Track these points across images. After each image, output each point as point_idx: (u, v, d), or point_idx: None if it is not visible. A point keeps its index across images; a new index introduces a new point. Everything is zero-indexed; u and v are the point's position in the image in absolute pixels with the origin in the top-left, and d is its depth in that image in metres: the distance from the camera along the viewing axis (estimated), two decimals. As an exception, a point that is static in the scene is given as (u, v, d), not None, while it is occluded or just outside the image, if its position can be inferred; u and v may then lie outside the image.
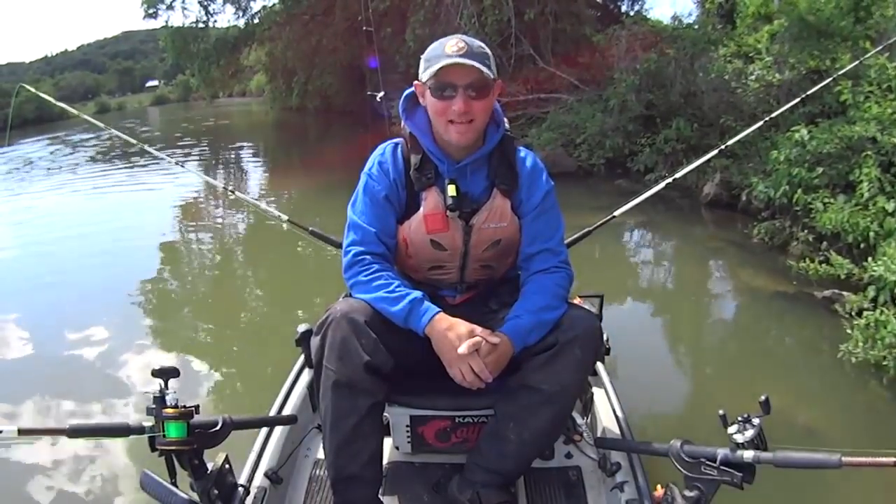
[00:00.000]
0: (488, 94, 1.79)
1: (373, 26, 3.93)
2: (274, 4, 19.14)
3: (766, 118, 3.54)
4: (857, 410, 3.51)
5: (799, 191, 5.22)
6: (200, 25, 18.73)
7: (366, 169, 1.95)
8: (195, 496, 1.62)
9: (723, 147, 3.22)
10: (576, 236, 2.81)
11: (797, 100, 3.60)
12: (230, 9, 19.11)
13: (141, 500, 2.84)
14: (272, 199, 10.82)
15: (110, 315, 5.34)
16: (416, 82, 1.86)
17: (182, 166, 4.26)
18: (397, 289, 1.79)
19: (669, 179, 3.05)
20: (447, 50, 1.74)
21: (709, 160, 3.33)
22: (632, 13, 14.85)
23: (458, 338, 1.72)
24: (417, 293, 1.79)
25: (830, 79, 4.13)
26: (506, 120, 1.96)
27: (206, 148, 19.59)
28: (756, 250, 5.87)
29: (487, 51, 1.79)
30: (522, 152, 1.98)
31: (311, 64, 19.00)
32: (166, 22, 18.62)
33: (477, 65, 1.72)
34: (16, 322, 5.43)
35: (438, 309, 1.78)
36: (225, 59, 19.69)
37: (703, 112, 8.68)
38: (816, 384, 3.80)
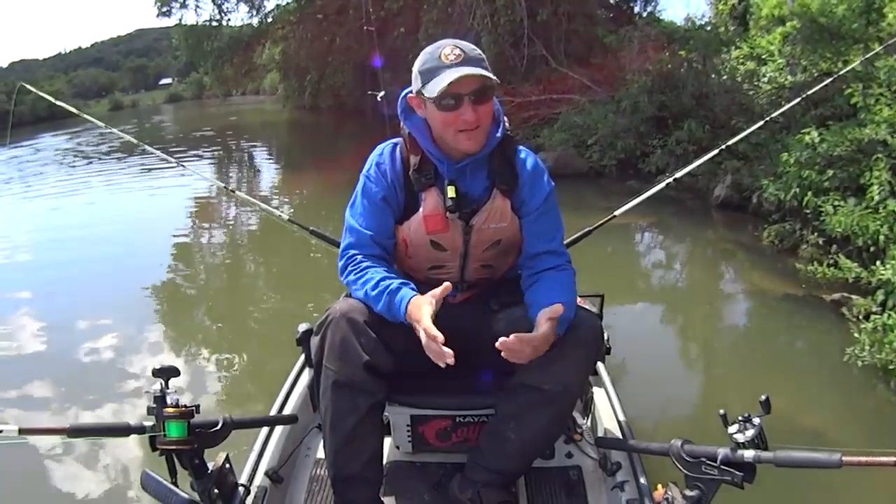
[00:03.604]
0: (491, 97, 1.75)
1: (374, 26, 3.92)
2: (287, 3, 19.32)
3: (766, 118, 3.54)
4: (863, 414, 3.50)
5: (809, 193, 5.18)
6: (214, 24, 18.85)
7: (364, 171, 1.92)
8: (196, 496, 1.63)
9: (723, 147, 3.21)
10: (575, 236, 2.78)
11: (798, 99, 3.59)
12: (244, 7, 19.23)
13: (142, 500, 2.88)
14: (285, 198, 10.90)
15: (112, 313, 5.38)
16: (409, 96, 1.82)
17: (184, 166, 4.23)
18: (379, 283, 1.75)
19: (669, 179, 3.03)
20: (445, 59, 1.68)
21: (710, 160, 3.32)
22: (644, 14, 14.83)
23: (418, 323, 1.63)
24: (394, 282, 1.75)
25: (830, 79, 4.12)
26: (505, 119, 1.91)
27: (220, 146, 19.69)
28: (765, 253, 5.83)
29: (480, 52, 1.75)
30: (523, 153, 1.94)
31: (324, 63, 19.02)
32: (180, 20, 18.83)
33: (482, 71, 1.67)
34: (17, 319, 5.49)
35: (412, 294, 1.71)
36: (238, 57, 19.88)
37: (715, 114, 8.64)
38: (823, 387, 3.77)
